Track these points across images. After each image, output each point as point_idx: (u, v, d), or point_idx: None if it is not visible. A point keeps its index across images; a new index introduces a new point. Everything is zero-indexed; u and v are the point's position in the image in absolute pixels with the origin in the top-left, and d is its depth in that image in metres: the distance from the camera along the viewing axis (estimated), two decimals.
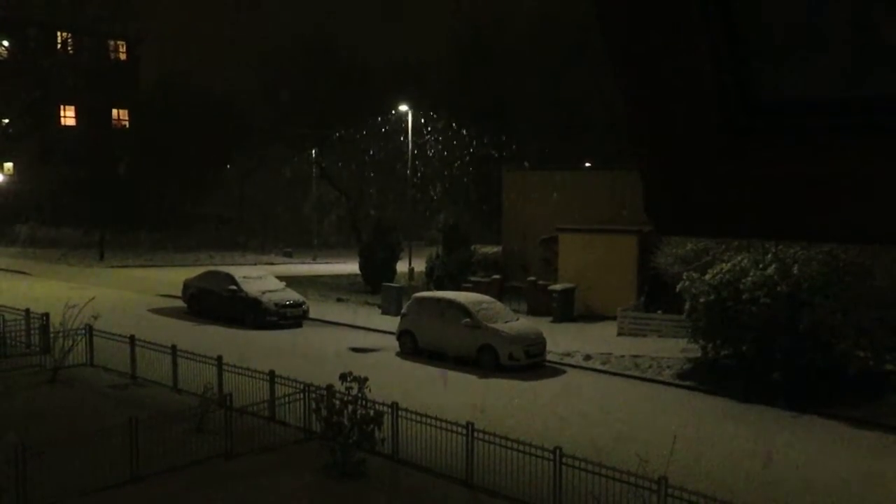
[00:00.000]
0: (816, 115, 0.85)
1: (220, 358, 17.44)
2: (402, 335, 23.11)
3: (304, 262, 49.44)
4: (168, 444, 13.28)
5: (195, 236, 56.29)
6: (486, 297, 24.13)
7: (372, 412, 13.35)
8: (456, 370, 20.79)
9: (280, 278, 29.98)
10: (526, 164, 46.56)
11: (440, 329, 22.03)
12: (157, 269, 43.13)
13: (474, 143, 46.82)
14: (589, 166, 41.53)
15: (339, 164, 47.61)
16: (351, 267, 39.88)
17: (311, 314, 27.77)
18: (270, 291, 27.45)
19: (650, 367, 21.10)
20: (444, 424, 13.35)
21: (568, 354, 22.43)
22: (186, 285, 29.13)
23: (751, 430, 16.21)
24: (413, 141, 40.79)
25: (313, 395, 14.57)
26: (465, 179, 47.31)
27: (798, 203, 0.88)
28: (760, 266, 18.82)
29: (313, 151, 50.75)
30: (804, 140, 0.86)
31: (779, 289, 18.10)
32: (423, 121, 43.71)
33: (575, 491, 11.66)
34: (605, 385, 20.02)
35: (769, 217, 0.90)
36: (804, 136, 0.86)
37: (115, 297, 30.88)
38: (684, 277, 20.30)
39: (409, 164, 40.60)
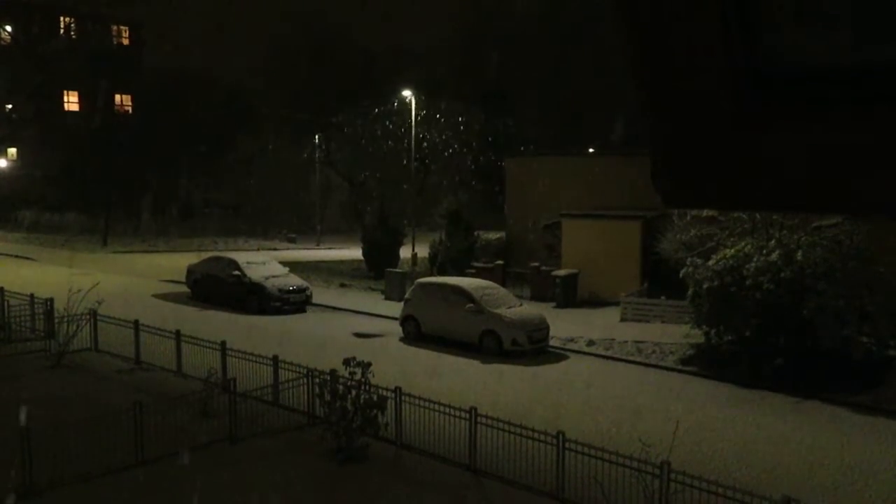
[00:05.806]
0: (824, 86, 0.85)
1: (223, 343, 17.49)
2: (406, 321, 23.14)
3: (307, 248, 49.48)
4: (173, 428, 13.35)
5: (198, 222, 56.34)
6: (490, 283, 24.12)
7: (375, 397, 13.40)
8: (459, 355, 20.84)
9: (283, 264, 30.00)
10: (531, 147, 46.46)
11: (443, 314, 22.04)
12: (161, 255, 43.21)
13: (478, 127, 46.67)
14: (593, 151, 41.40)
15: (343, 149, 47.53)
16: (354, 252, 39.91)
17: (315, 300, 27.83)
18: (274, 277, 27.49)
19: (653, 352, 21.12)
20: (447, 409, 13.39)
21: (571, 340, 22.45)
22: (190, 271, 29.19)
23: (753, 415, 16.24)
24: (416, 126, 40.68)
25: (317, 380, 14.62)
26: (469, 164, 47.20)
27: (804, 174, 0.87)
28: (764, 252, 18.79)
29: (316, 136, 50.67)
30: (811, 111, 0.86)
31: (782, 274, 18.07)
32: (426, 106, 43.57)
33: (578, 475, 11.70)
34: (607, 370, 20.06)
35: (775, 188, 0.90)
36: (811, 106, 0.86)
37: (119, 283, 30.96)
38: (688, 263, 20.29)
39: (413, 149, 40.51)
